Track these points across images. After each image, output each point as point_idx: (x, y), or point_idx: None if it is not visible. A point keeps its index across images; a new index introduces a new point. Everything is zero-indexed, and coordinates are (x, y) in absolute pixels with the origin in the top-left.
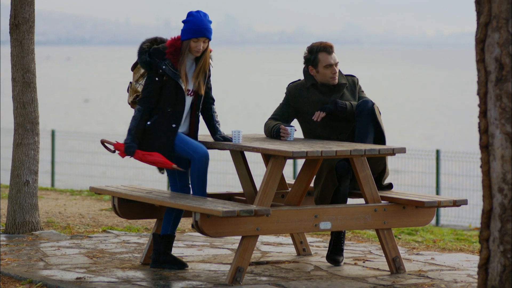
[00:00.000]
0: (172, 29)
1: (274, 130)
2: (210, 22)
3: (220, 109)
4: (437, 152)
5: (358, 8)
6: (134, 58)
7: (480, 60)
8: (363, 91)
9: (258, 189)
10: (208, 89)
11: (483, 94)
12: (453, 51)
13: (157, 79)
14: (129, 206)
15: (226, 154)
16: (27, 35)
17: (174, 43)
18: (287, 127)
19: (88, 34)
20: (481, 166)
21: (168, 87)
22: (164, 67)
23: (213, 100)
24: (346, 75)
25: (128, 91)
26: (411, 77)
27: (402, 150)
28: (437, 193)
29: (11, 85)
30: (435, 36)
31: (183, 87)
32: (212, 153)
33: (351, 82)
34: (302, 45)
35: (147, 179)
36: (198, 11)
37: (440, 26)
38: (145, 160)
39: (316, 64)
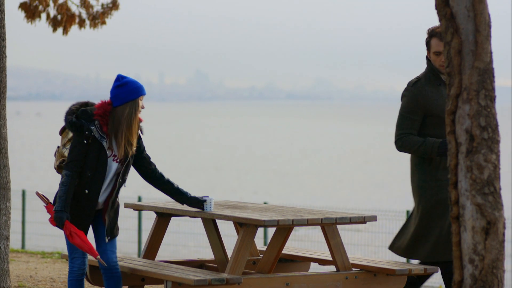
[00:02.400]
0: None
1: (434, 145)
2: None
3: (190, 168)
4: (408, 213)
5: (327, 64)
6: None
7: (451, 132)
8: None
9: (229, 256)
10: (147, 155)
11: (454, 166)
12: None
13: (85, 141)
14: (101, 274)
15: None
16: None
17: (103, 105)
18: None
19: (58, 89)
20: (452, 237)
21: (91, 151)
22: (92, 127)
23: (154, 164)
24: None
25: (55, 156)
26: (379, 133)
27: (373, 219)
28: None
29: None
30: None
31: (107, 151)
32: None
33: None
34: (272, 100)
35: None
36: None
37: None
38: (70, 240)
39: (429, 48)
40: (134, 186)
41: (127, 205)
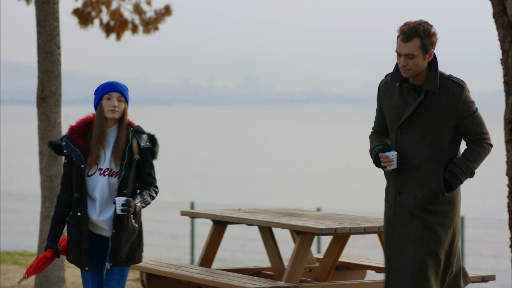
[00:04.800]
0: (191, 89)
1: (373, 154)
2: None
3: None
4: None
5: (376, 67)
6: (151, 117)
7: (509, 141)
8: (470, 114)
9: (286, 264)
10: (146, 174)
11: None
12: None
13: (65, 161)
14: (157, 281)
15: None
16: (54, 109)
17: (86, 118)
18: (387, 154)
19: None
20: (510, 246)
21: (74, 169)
22: (64, 143)
23: (153, 185)
24: (452, 81)
25: None
26: None
27: None
28: None
29: (38, 157)
30: None
31: (83, 166)
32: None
33: (450, 94)
34: (321, 104)
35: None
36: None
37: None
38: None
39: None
40: (184, 189)
41: (183, 213)
